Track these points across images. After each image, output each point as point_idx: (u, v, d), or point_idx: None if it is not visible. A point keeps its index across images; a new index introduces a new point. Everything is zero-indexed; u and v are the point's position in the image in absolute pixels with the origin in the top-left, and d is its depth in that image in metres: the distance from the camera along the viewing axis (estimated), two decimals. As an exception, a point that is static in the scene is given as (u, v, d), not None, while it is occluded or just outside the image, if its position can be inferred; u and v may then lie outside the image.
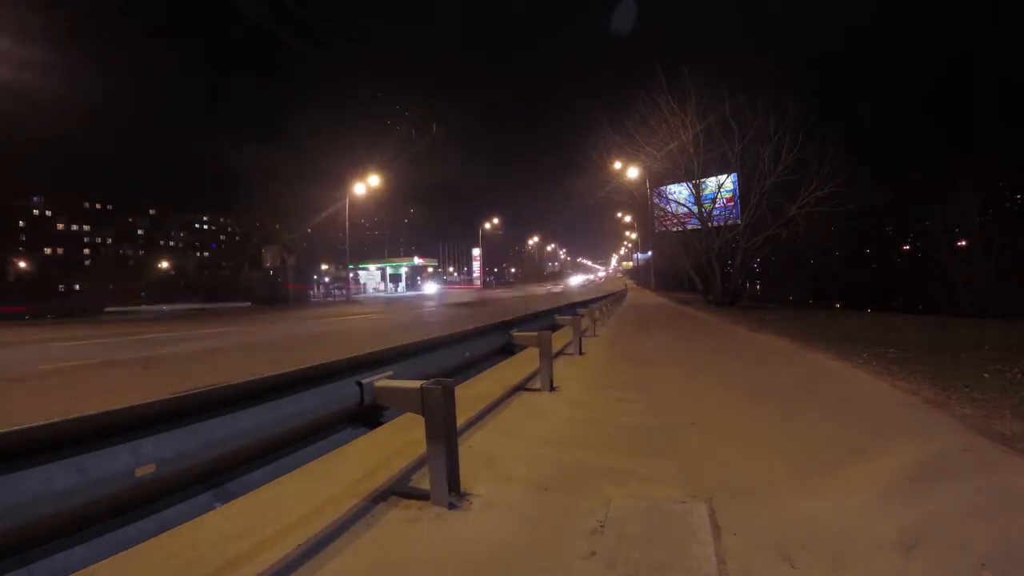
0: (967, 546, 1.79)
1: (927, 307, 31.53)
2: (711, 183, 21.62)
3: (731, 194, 22.34)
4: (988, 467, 2.53)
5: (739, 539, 1.91)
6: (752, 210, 19.63)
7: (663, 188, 24.25)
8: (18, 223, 59.24)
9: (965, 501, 2.15)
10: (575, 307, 8.59)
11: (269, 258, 43.94)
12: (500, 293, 46.72)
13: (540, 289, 51.93)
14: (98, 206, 67.99)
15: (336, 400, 2.10)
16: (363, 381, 2.23)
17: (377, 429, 2.37)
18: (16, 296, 35.01)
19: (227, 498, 1.57)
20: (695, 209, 21.25)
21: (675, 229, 25.13)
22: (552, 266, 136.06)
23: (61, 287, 47.78)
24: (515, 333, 4.63)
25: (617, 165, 23.90)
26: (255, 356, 8.46)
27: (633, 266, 73.14)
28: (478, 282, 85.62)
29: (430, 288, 60.65)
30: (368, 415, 2.32)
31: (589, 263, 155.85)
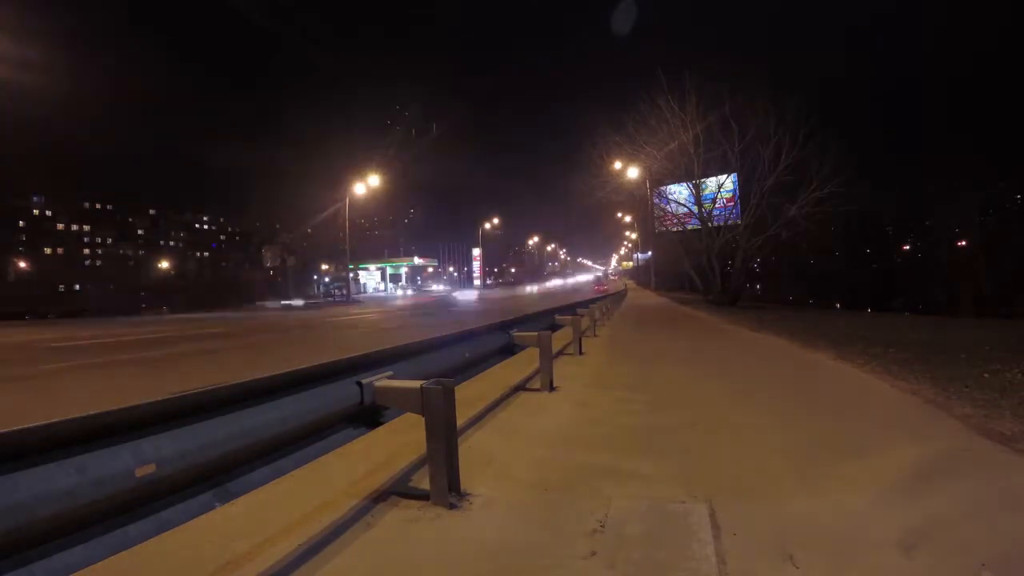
0: (967, 546, 1.79)
1: (927, 307, 31.52)
2: (711, 183, 21.61)
3: (731, 194, 22.33)
4: (988, 467, 2.53)
5: (739, 539, 1.91)
6: (752, 210, 19.62)
7: (663, 188, 24.23)
8: (18, 223, 59.16)
9: (965, 501, 2.15)
10: (575, 307, 8.60)
11: (269, 258, 43.96)
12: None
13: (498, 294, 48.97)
14: (98, 206, 67.89)
15: (336, 400, 2.10)
16: (363, 381, 2.23)
17: (377, 429, 2.37)
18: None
19: (227, 498, 1.57)
20: (695, 209, 21.25)
21: (675, 229, 25.12)
22: (552, 265, 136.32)
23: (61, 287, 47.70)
24: (515, 333, 4.63)
25: (617, 165, 23.87)
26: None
27: (633, 266, 73.11)
28: (477, 281, 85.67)
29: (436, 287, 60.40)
30: (368, 415, 2.32)
31: (589, 263, 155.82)
